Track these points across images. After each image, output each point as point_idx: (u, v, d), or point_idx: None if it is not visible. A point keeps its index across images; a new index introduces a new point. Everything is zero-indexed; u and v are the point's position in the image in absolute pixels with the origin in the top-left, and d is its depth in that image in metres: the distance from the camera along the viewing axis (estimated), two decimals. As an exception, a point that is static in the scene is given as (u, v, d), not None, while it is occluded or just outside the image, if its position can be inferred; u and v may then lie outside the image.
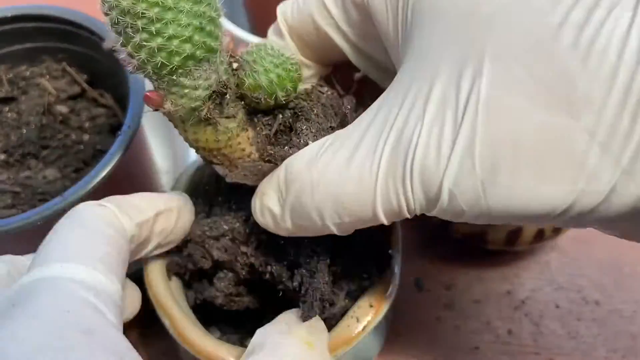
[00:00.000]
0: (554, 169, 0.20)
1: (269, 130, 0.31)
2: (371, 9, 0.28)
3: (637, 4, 0.20)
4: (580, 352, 0.45)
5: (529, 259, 0.51)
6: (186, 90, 0.27)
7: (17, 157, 0.44)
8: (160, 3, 0.24)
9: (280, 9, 0.32)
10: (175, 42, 0.25)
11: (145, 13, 0.24)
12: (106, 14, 0.25)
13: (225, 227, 0.33)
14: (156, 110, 0.28)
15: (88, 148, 0.45)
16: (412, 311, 0.47)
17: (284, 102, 0.30)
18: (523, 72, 0.20)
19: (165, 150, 0.55)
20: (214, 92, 0.28)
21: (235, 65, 0.29)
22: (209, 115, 0.28)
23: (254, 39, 0.54)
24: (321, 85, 0.33)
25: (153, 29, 0.25)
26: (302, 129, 0.30)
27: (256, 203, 0.29)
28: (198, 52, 0.26)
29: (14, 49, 0.47)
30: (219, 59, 0.27)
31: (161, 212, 0.30)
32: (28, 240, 0.40)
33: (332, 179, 0.25)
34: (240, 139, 0.30)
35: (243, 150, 0.30)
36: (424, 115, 0.22)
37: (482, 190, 0.21)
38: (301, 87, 0.32)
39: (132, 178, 0.44)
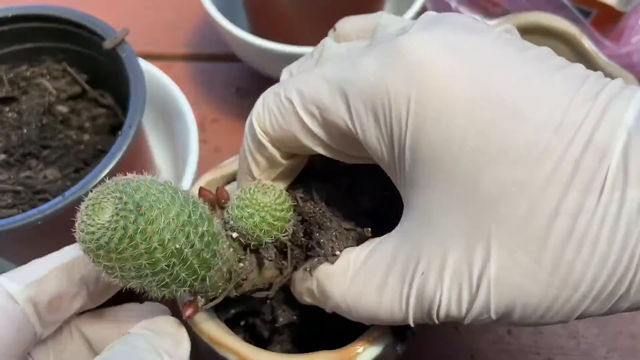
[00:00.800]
0: (557, 315, 0.24)
1: (283, 264, 0.33)
2: (362, 142, 0.28)
3: (625, 178, 0.22)
4: (580, 352, 0.46)
5: (528, 259, 0.51)
6: (207, 288, 0.29)
7: (18, 156, 0.44)
8: (174, 253, 0.25)
9: (257, 122, 0.30)
10: (184, 273, 0.26)
11: (166, 270, 0.25)
12: (103, 266, 0.25)
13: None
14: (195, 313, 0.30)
15: (88, 148, 0.46)
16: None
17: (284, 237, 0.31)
18: (526, 258, 0.23)
19: (166, 150, 0.56)
20: (235, 284, 0.30)
21: (234, 235, 0.30)
22: (234, 295, 0.31)
23: (253, 39, 0.54)
24: (319, 181, 0.33)
25: (166, 278, 0.25)
26: (323, 242, 0.31)
27: (297, 296, 0.32)
28: (208, 272, 0.27)
29: (15, 49, 0.47)
30: (222, 246, 0.28)
31: (70, 262, 0.30)
32: (28, 239, 0.40)
33: (364, 308, 0.28)
34: (260, 277, 0.33)
35: (267, 278, 0.33)
36: (442, 284, 0.25)
37: (497, 321, 0.26)
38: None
39: (132, 178, 0.44)
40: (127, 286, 0.26)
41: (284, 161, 0.31)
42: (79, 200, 0.37)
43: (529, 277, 0.24)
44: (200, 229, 0.26)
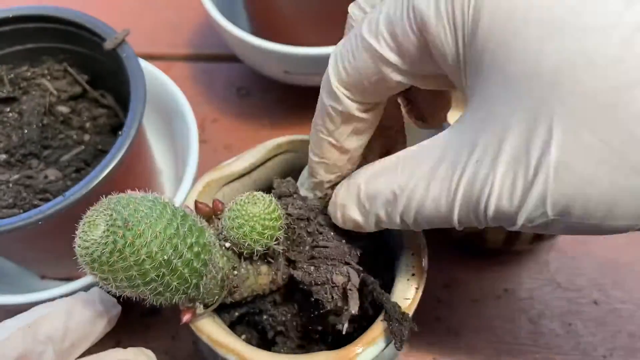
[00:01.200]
0: (624, 213, 0.22)
1: (276, 270, 0.34)
2: (431, 44, 0.27)
3: None
4: (579, 352, 0.46)
5: (528, 259, 0.51)
6: (203, 295, 0.30)
7: (19, 157, 0.44)
8: (163, 263, 0.26)
9: (332, 72, 0.30)
10: (175, 282, 0.28)
11: (156, 279, 0.26)
12: (101, 279, 0.26)
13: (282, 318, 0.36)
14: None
15: (89, 148, 0.46)
16: (412, 311, 0.47)
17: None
18: (592, 137, 0.21)
19: (166, 150, 0.56)
20: (227, 291, 0.32)
21: (227, 244, 0.32)
22: (229, 302, 0.33)
23: (253, 40, 0.54)
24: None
25: (158, 286, 0.27)
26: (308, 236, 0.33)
27: (337, 214, 0.32)
28: (199, 280, 0.29)
29: (15, 50, 0.48)
30: (216, 255, 0.30)
31: (36, 320, 0.30)
32: (29, 239, 0.40)
33: (409, 204, 0.28)
34: (256, 284, 0.34)
35: (262, 285, 0.34)
36: (496, 171, 0.24)
37: (553, 222, 0.23)
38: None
39: (132, 178, 0.44)
40: (124, 295, 0.27)
41: (361, 114, 0.31)
42: (80, 200, 0.37)
43: (594, 161, 0.21)
44: (189, 240, 0.28)
